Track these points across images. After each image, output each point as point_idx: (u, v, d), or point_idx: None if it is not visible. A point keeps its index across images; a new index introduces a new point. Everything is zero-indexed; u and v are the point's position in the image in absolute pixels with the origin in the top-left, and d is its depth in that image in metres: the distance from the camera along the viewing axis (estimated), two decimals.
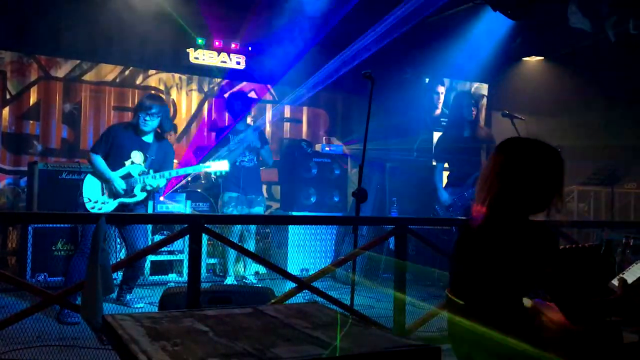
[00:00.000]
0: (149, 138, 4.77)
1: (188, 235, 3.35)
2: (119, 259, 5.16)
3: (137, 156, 4.71)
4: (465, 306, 2.06)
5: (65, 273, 4.62)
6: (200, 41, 7.20)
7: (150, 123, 4.67)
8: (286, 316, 1.85)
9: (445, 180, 6.11)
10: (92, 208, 4.54)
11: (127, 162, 4.67)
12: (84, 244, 4.38)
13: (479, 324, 2.00)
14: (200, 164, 5.25)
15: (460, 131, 5.97)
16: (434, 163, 6.35)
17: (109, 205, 4.59)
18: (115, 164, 4.64)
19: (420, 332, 3.90)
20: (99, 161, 4.60)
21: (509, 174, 2.03)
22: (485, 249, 2.02)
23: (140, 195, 4.68)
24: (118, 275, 4.87)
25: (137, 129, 4.71)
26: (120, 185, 4.58)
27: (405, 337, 1.59)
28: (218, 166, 5.08)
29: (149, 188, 4.70)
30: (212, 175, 6.52)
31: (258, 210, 5.89)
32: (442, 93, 8.55)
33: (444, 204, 5.85)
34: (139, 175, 4.67)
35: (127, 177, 4.64)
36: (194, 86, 7.62)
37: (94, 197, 4.58)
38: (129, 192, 4.64)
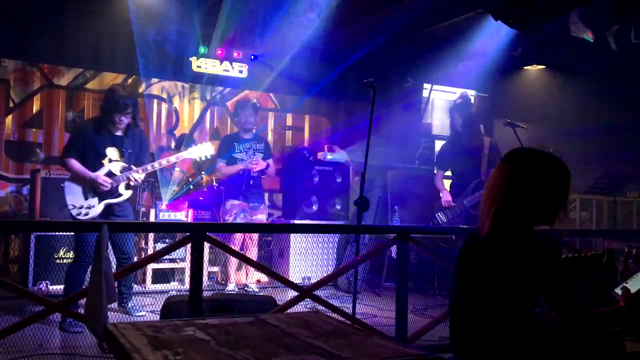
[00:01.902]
0: (120, 131, 4.62)
1: (190, 244, 3.35)
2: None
3: (113, 153, 4.55)
4: (469, 315, 2.05)
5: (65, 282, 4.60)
6: (202, 50, 7.23)
7: (125, 121, 4.55)
8: (288, 325, 1.85)
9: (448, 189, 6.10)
10: (79, 214, 4.42)
11: (105, 161, 4.52)
12: (82, 253, 4.35)
13: (482, 333, 1.99)
14: (183, 152, 5.05)
15: (463, 140, 5.97)
16: (436, 171, 6.35)
17: (96, 209, 4.46)
18: (93, 165, 4.49)
19: (422, 341, 3.89)
20: (76, 164, 4.46)
21: (515, 184, 2.03)
22: (490, 259, 2.02)
23: (126, 194, 4.58)
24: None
25: (109, 127, 4.55)
26: (106, 181, 4.44)
27: (407, 346, 1.59)
28: (200, 150, 4.93)
29: (133, 184, 4.59)
30: (214, 184, 6.57)
31: (260, 218, 5.89)
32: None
33: (445, 205, 5.79)
34: (121, 172, 4.54)
35: (109, 175, 4.50)
36: (197, 94, 7.63)
37: (78, 202, 4.44)
38: (114, 191, 4.52)
